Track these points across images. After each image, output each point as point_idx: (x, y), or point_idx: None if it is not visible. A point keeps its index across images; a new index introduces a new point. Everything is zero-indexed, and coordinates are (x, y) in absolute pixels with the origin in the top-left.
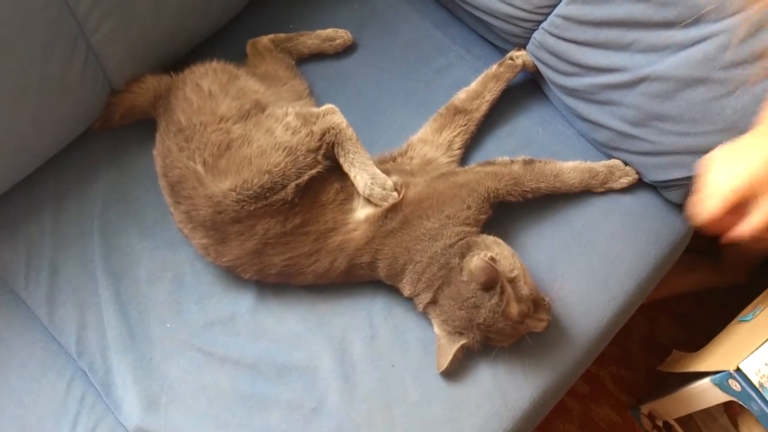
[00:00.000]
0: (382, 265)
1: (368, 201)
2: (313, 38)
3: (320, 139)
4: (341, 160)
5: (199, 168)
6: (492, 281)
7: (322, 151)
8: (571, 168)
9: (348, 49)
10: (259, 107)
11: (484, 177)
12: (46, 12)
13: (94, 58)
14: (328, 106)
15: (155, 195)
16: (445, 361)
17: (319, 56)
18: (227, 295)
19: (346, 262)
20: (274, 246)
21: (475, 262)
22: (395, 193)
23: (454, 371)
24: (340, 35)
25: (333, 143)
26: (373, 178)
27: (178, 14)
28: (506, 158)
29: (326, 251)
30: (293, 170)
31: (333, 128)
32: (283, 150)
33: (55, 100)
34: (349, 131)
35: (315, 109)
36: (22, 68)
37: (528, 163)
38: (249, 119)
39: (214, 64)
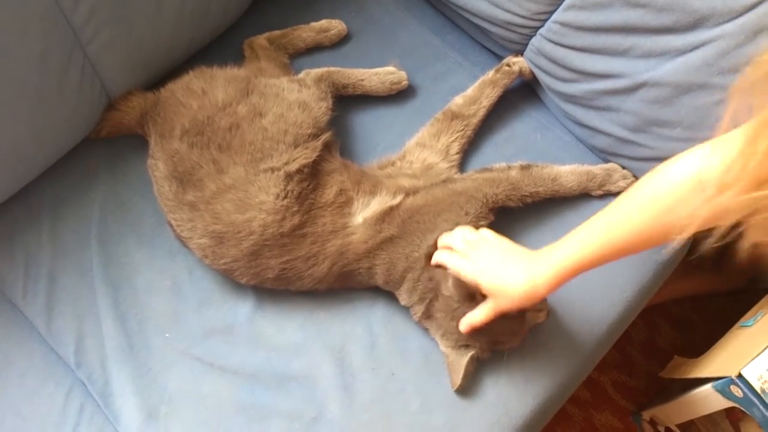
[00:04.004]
0: (380, 271)
1: (368, 204)
2: (308, 31)
3: (319, 86)
4: (349, 89)
5: (214, 152)
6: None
7: (329, 96)
8: (569, 171)
9: (346, 56)
10: (253, 83)
11: (482, 183)
12: (42, 22)
13: (91, 67)
14: (304, 70)
15: (153, 203)
16: (458, 377)
17: (315, 62)
18: (225, 303)
19: (344, 267)
20: (271, 248)
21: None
22: (402, 72)
23: (464, 384)
24: (334, 25)
25: (332, 83)
26: (379, 74)
27: (175, 23)
28: (503, 164)
29: (324, 255)
30: (310, 120)
31: (322, 73)
32: (298, 106)
33: (52, 110)
34: (335, 68)
35: (294, 76)
36: (19, 78)
37: (525, 168)
38: (250, 94)
39: (191, 72)
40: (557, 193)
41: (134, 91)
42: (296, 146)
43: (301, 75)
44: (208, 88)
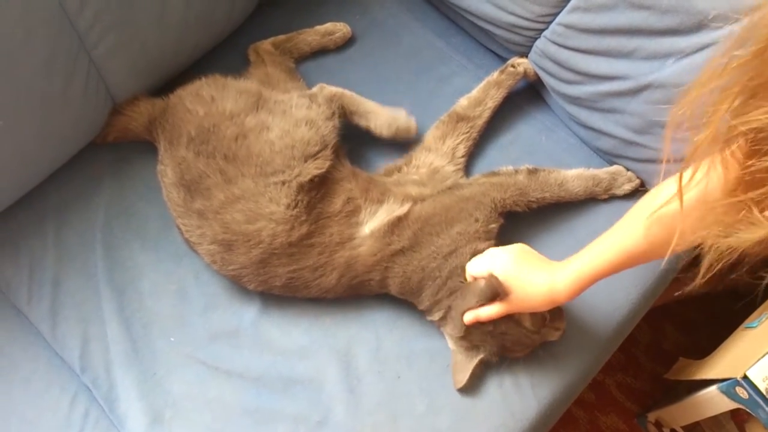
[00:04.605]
0: (393, 283)
1: (375, 213)
2: (313, 34)
3: (329, 105)
4: (355, 117)
5: (220, 162)
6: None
7: (336, 117)
8: (575, 176)
9: (350, 59)
10: (264, 99)
11: (490, 188)
12: (47, 27)
13: (96, 72)
14: (318, 85)
15: (158, 208)
16: (464, 378)
17: (321, 66)
18: (231, 307)
19: (353, 279)
20: (279, 257)
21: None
22: (413, 122)
23: (468, 385)
24: (339, 28)
25: (341, 106)
26: (390, 117)
27: (180, 28)
28: (510, 168)
29: (332, 266)
30: (317, 138)
31: (335, 93)
32: (306, 123)
33: (57, 115)
34: (348, 92)
35: (307, 90)
36: (24, 83)
37: (532, 172)
38: (259, 110)
39: (204, 79)
40: (563, 198)
41: (141, 96)
42: (306, 160)
43: (315, 89)
44: (218, 97)
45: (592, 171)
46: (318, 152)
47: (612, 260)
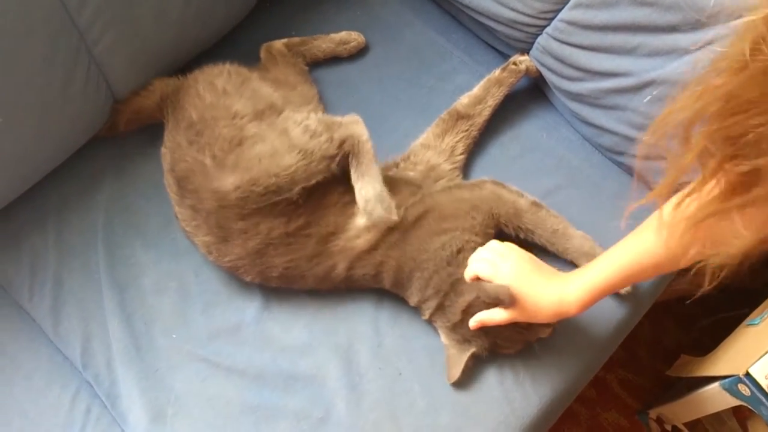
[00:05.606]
0: (386, 276)
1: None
2: (328, 42)
3: (339, 147)
4: (352, 170)
5: (208, 161)
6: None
7: (337, 159)
8: (577, 236)
9: (353, 55)
10: (274, 109)
11: (489, 197)
12: (48, 24)
13: (97, 68)
14: (354, 116)
15: (159, 205)
16: (457, 372)
17: (322, 62)
18: (232, 304)
19: (346, 270)
20: (276, 247)
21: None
22: (395, 216)
23: (461, 379)
24: (354, 38)
25: (349, 153)
26: (377, 196)
27: (180, 24)
28: (519, 190)
29: (327, 255)
30: (304, 175)
31: (354, 137)
32: (298, 152)
33: (58, 112)
34: (368, 145)
35: (339, 118)
36: (25, 80)
37: (536, 205)
38: (263, 120)
39: (228, 65)
40: (552, 245)
41: (154, 80)
42: (290, 189)
43: (345, 119)
44: (231, 91)
45: (597, 246)
46: (294, 188)
47: (624, 271)
